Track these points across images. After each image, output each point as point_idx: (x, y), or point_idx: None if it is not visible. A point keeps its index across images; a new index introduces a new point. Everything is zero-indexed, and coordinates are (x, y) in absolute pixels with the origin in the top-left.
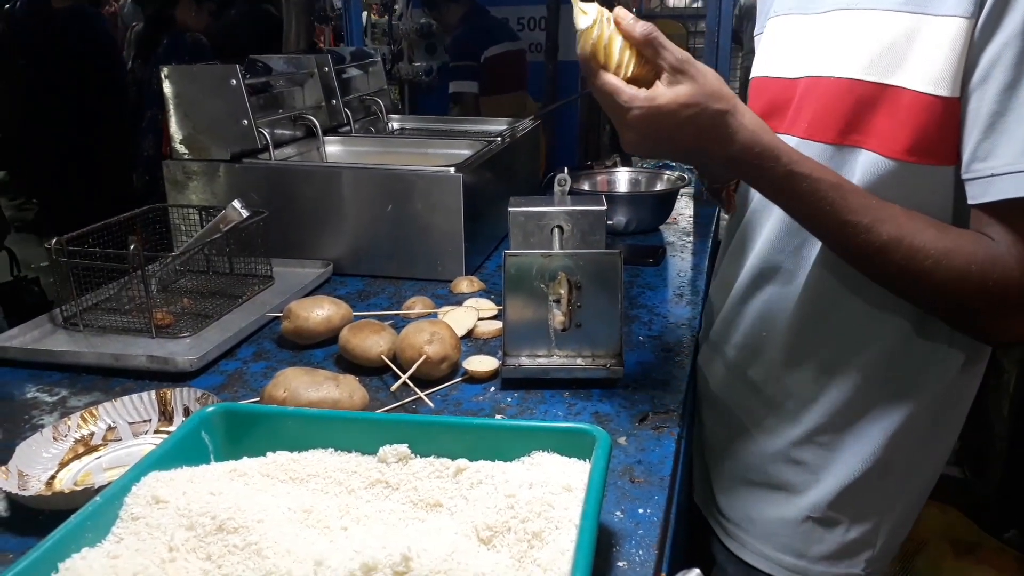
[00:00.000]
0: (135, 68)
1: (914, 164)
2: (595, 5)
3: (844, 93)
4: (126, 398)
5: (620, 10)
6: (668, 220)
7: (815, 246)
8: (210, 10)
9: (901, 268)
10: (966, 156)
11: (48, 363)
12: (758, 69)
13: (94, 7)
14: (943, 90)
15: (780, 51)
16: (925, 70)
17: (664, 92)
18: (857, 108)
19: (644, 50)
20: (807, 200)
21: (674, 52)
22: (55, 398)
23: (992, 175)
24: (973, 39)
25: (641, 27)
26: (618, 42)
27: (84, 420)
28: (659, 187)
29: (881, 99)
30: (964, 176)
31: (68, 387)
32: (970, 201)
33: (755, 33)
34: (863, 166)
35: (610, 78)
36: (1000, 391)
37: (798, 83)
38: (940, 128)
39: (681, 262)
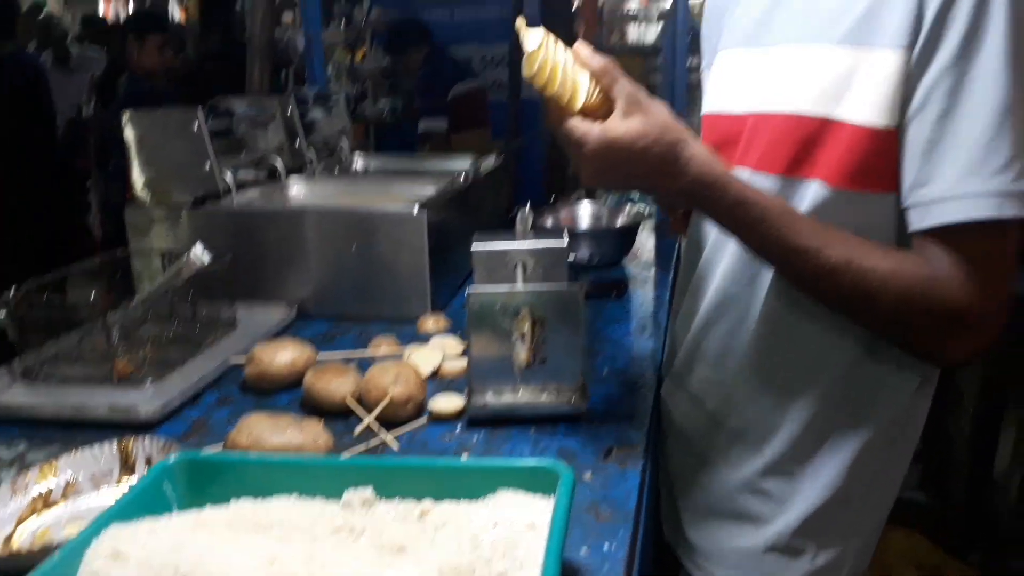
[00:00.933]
0: (97, 114)
1: (857, 192)
2: (541, 29)
3: (792, 128)
4: (86, 450)
5: (580, 43)
6: (630, 254)
7: (768, 276)
8: (167, 54)
9: (850, 290)
10: (906, 183)
11: (6, 417)
12: (708, 106)
13: (29, 54)
14: (882, 121)
15: (728, 87)
16: (865, 102)
17: (618, 126)
18: (804, 142)
19: (601, 80)
20: (756, 228)
21: (628, 86)
22: (13, 453)
23: (931, 201)
24: (910, 69)
25: (598, 60)
26: (562, 67)
27: (43, 474)
28: (621, 222)
29: (826, 132)
30: (905, 203)
31: (27, 441)
32: (911, 227)
33: (702, 67)
34: (811, 196)
35: (571, 121)
36: (959, 413)
37: (747, 119)
38: (881, 157)
39: (644, 295)
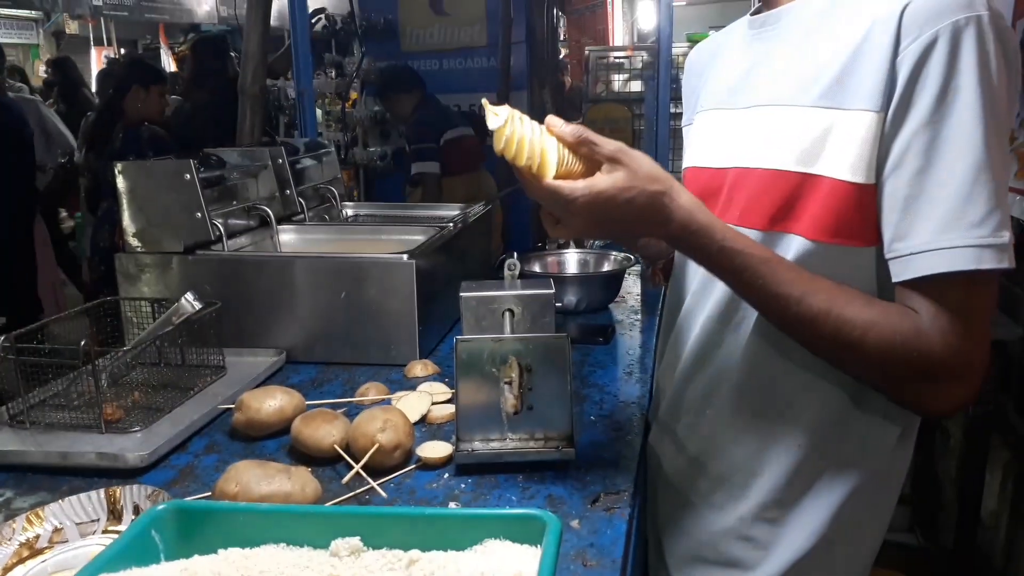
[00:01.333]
0: (89, 158)
1: (837, 245)
2: (506, 107)
3: (773, 183)
4: (73, 498)
5: (551, 118)
6: (617, 299)
7: (751, 325)
8: (158, 98)
9: (831, 338)
10: (887, 237)
11: None
12: (689, 160)
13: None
14: (859, 177)
15: (709, 143)
16: (842, 159)
17: (603, 179)
18: (785, 196)
19: (579, 149)
20: (740, 274)
21: (607, 145)
22: None
23: (911, 253)
24: (884, 131)
25: (571, 129)
26: (528, 139)
27: (29, 522)
28: (607, 267)
29: (806, 187)
30: (887, 256)
31: (13, 487)
32: (893, 279)
33: (683, 124)
34: (793, 250)
35: (548, 183)
36: (948, 455)
37: (727, 173)
38: (858, 212)
39: (630, 340)
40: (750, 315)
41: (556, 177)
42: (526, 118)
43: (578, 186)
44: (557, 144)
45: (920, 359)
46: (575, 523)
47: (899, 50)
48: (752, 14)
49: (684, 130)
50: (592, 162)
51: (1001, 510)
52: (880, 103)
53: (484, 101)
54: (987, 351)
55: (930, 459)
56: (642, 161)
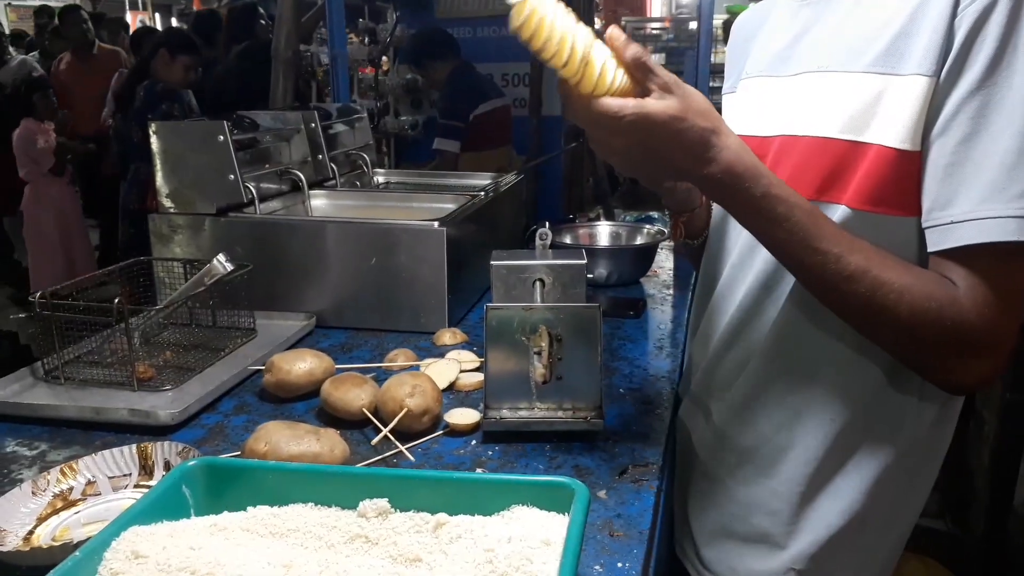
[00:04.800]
0: (117, 120)
1: (880, 215)
2: None
3: (820, 151)
4: (106, 452)
5: (614, 30)
6: (648, 273)
7: (788, 292)
8: (185, 63)
9: (866, 300)
10: (926, 205)
11: (28, 417)
12: (732, 128)
13: None
14: (907, 144)
15: (753, 111)
16: (891, 126)
17: (655, 103)
18: (833, 165)
19: (635, 72)
20: (782, 223)
21: (663, 74)
22: (34, 452)
23: (951, 222)
24: (934, 94)
25: (632, 49)
26: (556, 24)
27: (63, 475)
28: (639, 241)
29: (853, 156)
30: (925, 224)
31: (48, 441)
32: (930, 248)
33: (725, 91)
34: (836, 218)
35: (597, 100)
36: (981, 442)
37: (773, 141)
38: (903, 180)
39: (661, 315)
40: (788, 286)
41: (596, 88)
42: (561, 5)
43: (628, 103)
44: (607, 52)
45: (953, 328)
46: (602, 494)
47: (957, 11)
48: None
49: (725, 97)
50: (641, 87)
51: None
52: (934, 68)
53: None
54: (1019, 326)
55: (962, 445)
56: (696, 96)
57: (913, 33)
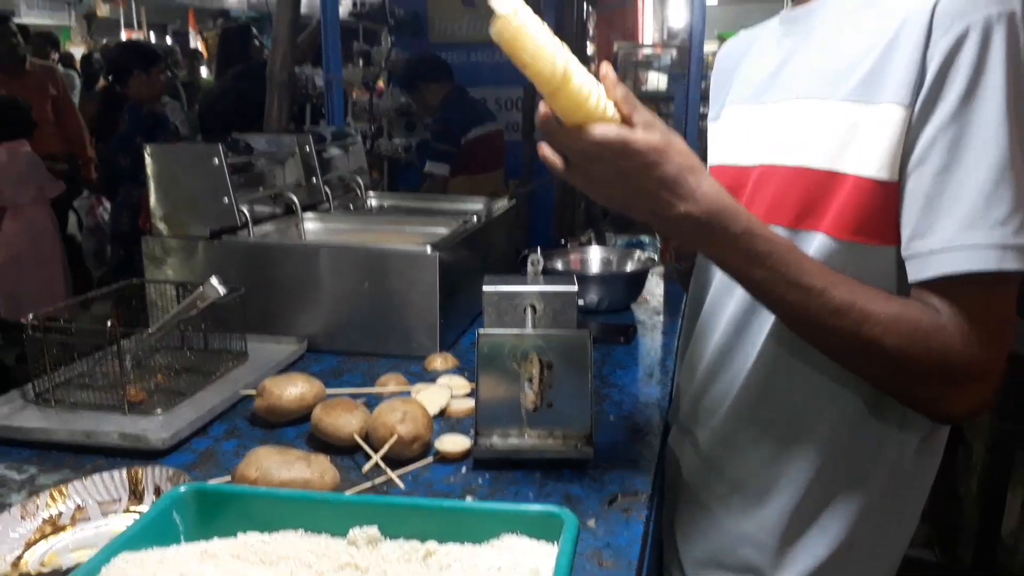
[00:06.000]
0: (98, 147)
1: (860, 244)
2: None
3: (798, 180)
4: (96, 476)
5: (607, 65)
6: (639, 299)
7: (770, 327)
8: (159, 75)
9: (851, 333)
10: (905, 235)
11: (18, 440)
12: (714, 158)
13: None
14: (884, 174)
15: (736, 139)
16: (869, 156)
17: (639, 133)
18: (811, 194)
19: (622, 106)
20: (763, 261)
21: (647, 112)
22: (24, 476)
23: (931, 252)
24: (910, 125)
25: (621, 88)
26: (542, 42)
27: (53, 499)
28: (630, 267)
29: (831, 185)
30: (905, 253)
31: (38, 465)
32: (911, 278)
33: (710, 119)
34: (816, 248)
35: (588, 125)
36: (969, 471)
37: (752, 171)
38: (882, 210)
39: (651, 341)
40: (769, 315)
41: (582, 112)
42: (547, 26)
43: (612, 128)
44: (586, 73)
45: (940, 357)
46: (591, 522)
47: (930, 43)
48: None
49: (709, 125)
50: (627, 122)
51: (1021, 528)
52: (909, 98)
53: None
54: (1005, 354)
55: (950, 475)
56: (678, 138)
57: (889, 63)
